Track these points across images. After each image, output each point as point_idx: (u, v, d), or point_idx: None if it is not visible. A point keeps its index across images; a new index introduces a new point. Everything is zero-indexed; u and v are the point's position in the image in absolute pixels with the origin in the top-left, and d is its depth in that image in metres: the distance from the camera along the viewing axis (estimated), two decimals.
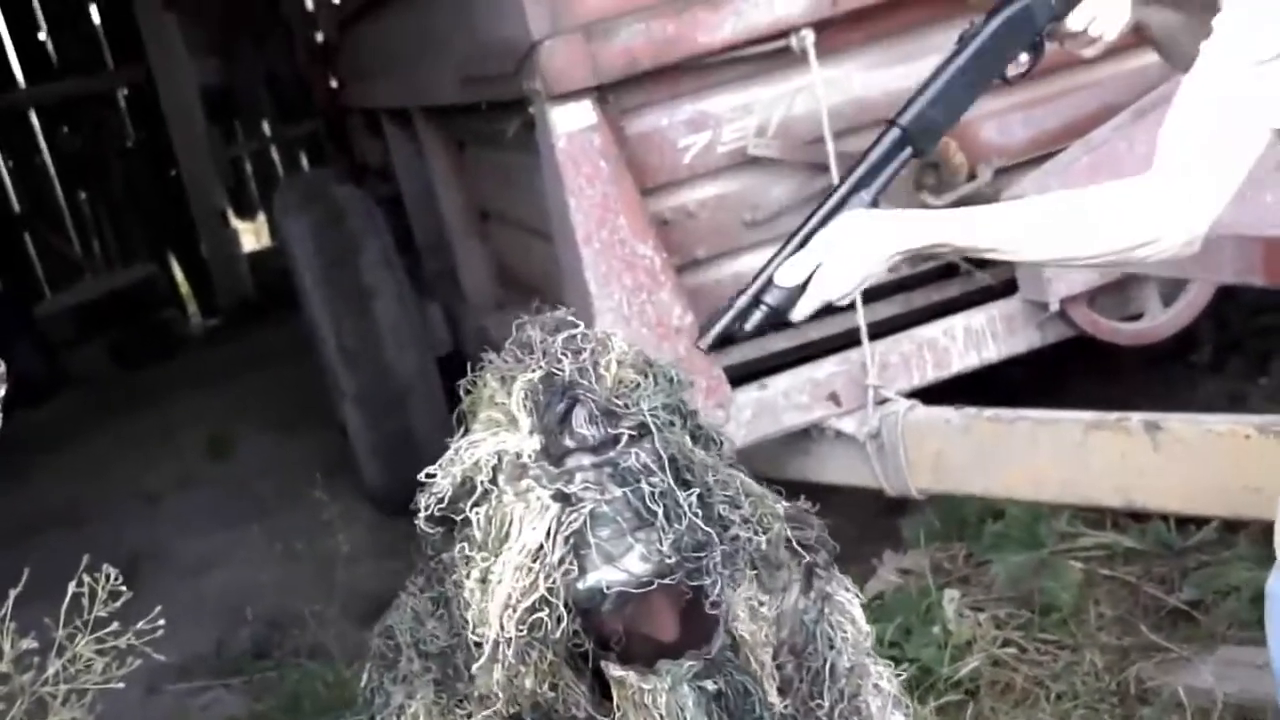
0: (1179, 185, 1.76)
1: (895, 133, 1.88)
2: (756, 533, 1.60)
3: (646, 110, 3.10)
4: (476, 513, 1.52)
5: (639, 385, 1.55)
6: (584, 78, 2.91)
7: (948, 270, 3.35)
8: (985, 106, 3.29)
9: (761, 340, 3.31)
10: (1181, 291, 3.33)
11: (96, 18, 8.66)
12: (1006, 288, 3.31)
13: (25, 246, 8.86)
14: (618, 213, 2.96)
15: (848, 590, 1.79)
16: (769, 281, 1.82)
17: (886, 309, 3.36)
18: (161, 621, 1.75)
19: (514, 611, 1.49)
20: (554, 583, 1.47)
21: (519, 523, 1.49)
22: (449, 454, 1.58)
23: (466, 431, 1.59)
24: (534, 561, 1.48)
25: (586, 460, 1.50)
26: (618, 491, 1.49)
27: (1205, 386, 3.74)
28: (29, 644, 1.62)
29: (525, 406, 1.53)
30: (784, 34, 3.01)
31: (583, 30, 2.92)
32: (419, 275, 4.94)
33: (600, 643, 1.56)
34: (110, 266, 9.02)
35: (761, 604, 1.67)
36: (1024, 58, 1.94)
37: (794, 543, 1.71)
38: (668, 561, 1.49)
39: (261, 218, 9.31)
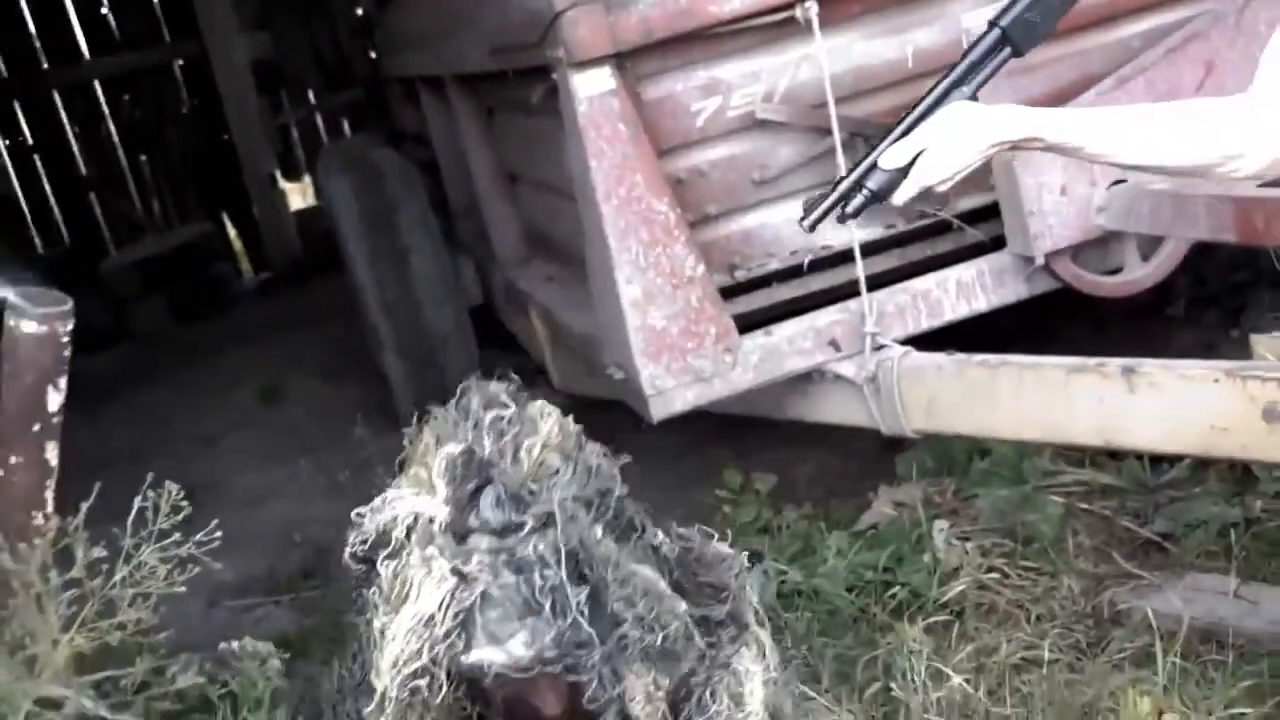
0: (1269, 110, 1.71)
1: (995, 33, 1.82)
2: (651, 630, 1.54)
3: (662, 76, 3.08)
4: (386, 566, 1.51)
5: (557, 472, 1.53)
6: (603, 46, 2.89)
7: (942, 227, 3.32)
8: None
9: (768, 290, 3.32)
10: (1158, 247, 3.27)
11: None
12: (996, 243, 3.26)
13: (91, 208, 8.84)
14: (635, 172, 2.94)
15: (754, 663, 1.74)
16: (873, 166, 1.78)
17: (884, 262, 3.32)
18: (219, 534, 1.78)
19: (398, 673, 1.47)
20: (438, 654, 1.47)
21: (418, 588, 1.48)
22: (377, 500, 1.58)
23: (401, 476, 1.58)
24: (425, 628, 1.47)
25: (485, 543, 1.48)
26: (510, 578, 1.47)
27: (1181, 337, 3.71)
28: (99, 552, 1.66)
29: (444, 477, 1.51)
30: (790, 5, 2.97)
31: (602, 1, 2.89)
32: (452, 233, 4.95)
33: (485, 707, 1.55)
34: (169, 225, 8.99)
35: (659, 688, 1.61)
36: None
37: (694, 635, 1.64)
38: (547, 654, 1.47)
39: (307, 179, 9.29)
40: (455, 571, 1.47)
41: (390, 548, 1.52)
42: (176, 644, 1.98)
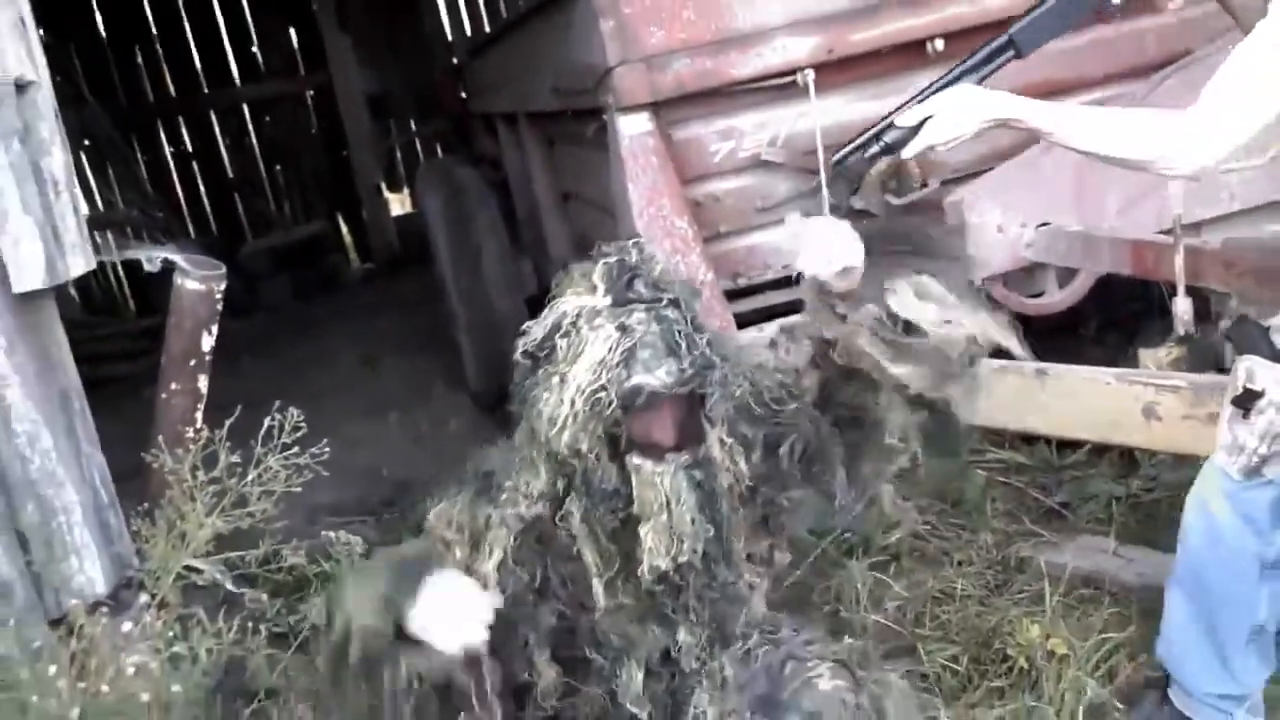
0: (1200, 125, 1.71)
1: (1005, 38, 1.83)
2: (737, 383, 1.71)
3: (689, 122, 3.12)
4: (562, 342, 1.63)
5: (671, 280, 1.67)
6: (644, 96, 2.95)
7: None
8: None
9: (764, 295, 3.35)
10: (1072, 278, 3.28)
11: (294, 35, 8.69)
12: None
13: (235, 205, 8.94)
14: (663, 195, 2.99)
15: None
16: (889, 124, 1.79)
17: None
18: (328, 449, 1.85)
19: (583, 394, 1.60)
20: (610, 379, 1.59)
21: (590, 344, 1.61)
22: (544, 312, 1.69)
23: (552, 306, 1.68)
24: (599, 366, 1.59)
25: (640, 309, 1.61)
26: (657, 329, 1.61)
27: (1091, 352, 3.68)
28: (235, 459, 1.73)
29: (603, 278, 1.65)
30: (792, 72, 3.01)
31: (645, 61, 2.95)
32: (517, 238, 4.98)
33: (626, 443, 1.66)
34: (295, 222, 9.06)
35: (725, 442, 1.75)
36: (1115, 1, 1.84)
37: (756, 412, 1.79)
38: (686, 374, 1.61)
39: (406, 191, 9.35)
40: (619, 327, 1.60)
41: (560, 332, 1.63)
42: (288, 534, 2.05)
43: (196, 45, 8.48)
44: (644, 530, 1.67)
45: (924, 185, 3.25)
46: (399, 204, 9.61)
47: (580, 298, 1.66)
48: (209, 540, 1.68)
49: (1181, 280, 2.69)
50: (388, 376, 5.76)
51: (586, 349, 1.61)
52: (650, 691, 1.81)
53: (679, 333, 1.63)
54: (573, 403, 1.60)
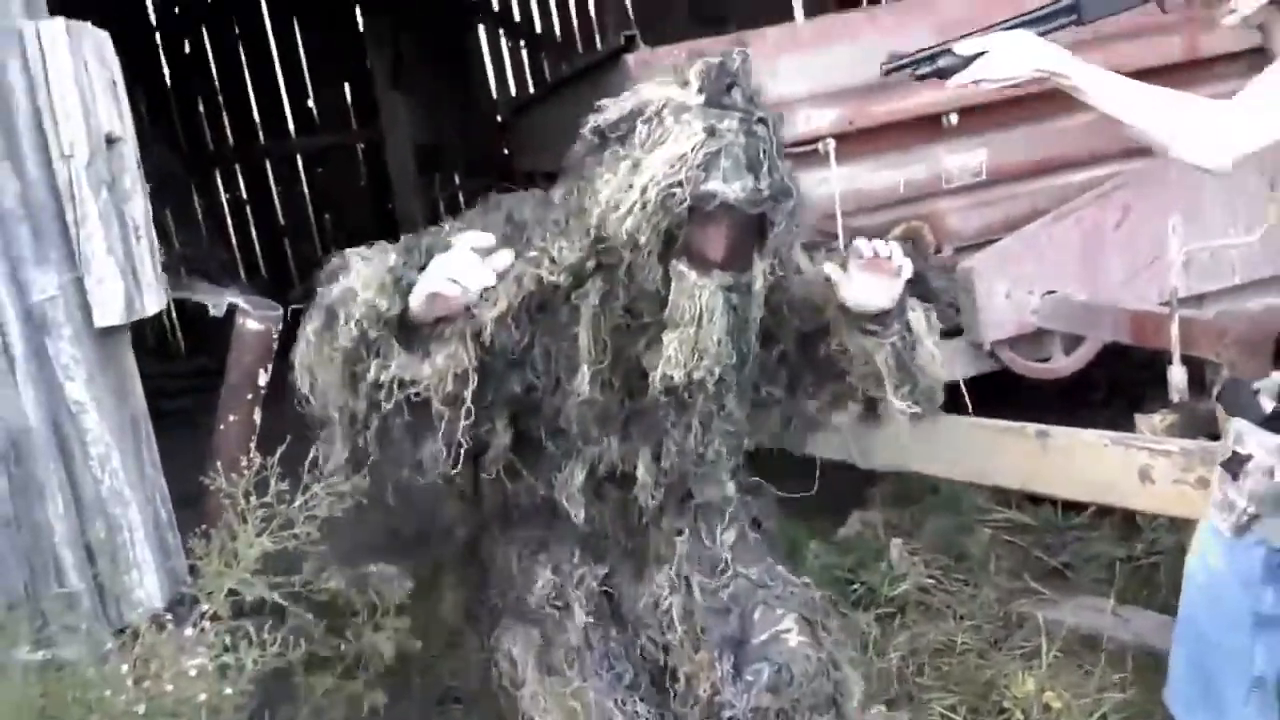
0: (1225, 121, 1.75)
1: (1061, 4, 1.86)
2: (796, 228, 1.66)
3: None
4: (643, 128, 1.57)
5: (765, 101, 1.63)
6: None
7: None
8: (949, 204, 3.46)
9: None
10: (1078, 345, 3.39)
11: (348, 90, 8.98)
12: (954, 330, 3.34)
13: (285, 250, 9.19)
14: None
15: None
16: (946, 50, 1.81)
17: None
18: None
19: (657, 185, 1.54)
20: (687, 176, 1.53)
21: (674, 137, 1.55)
22: (622, 95, 1.64)
23: (635, 90, 1.63)
24: (678, 161, 1.53)
25: (732, 117, 1.55)
26: (744, 141, 1.55)
27: (1095, 416, 3.78)
28: (284, 486, 1.88)
29: (700, 76, 1.58)
30: (815, 141, 3.15)
31: None
32: None
33: (678, 248, 1.60)
34: None
35: (769, 278, 1.70)
36: None
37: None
38: (762, 195, 1.56)
39: None
40: (708, 129, 1.54)
41: (642, 116, 1.58)
42: (327, 559, 2.18)
43: (255, 98, 8.77)
44: (669, 338, 1.61)
45: (938, 251, 3.39)
46: None
47: (668, 89, 1.59)
48: (258, 559, 1.82)
49: (1176, 349, 2.79)
50: None
51: (669, 141, 1.55)
52: (592, 505, 1.77)
53: (763, 152, 1.57)
54: (644, 190, 1.54)
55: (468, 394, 1.58)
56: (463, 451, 1.62)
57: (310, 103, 8.90)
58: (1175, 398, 2.82)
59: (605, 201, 1.58)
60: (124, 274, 1.77)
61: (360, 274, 1.57)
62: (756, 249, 1.64)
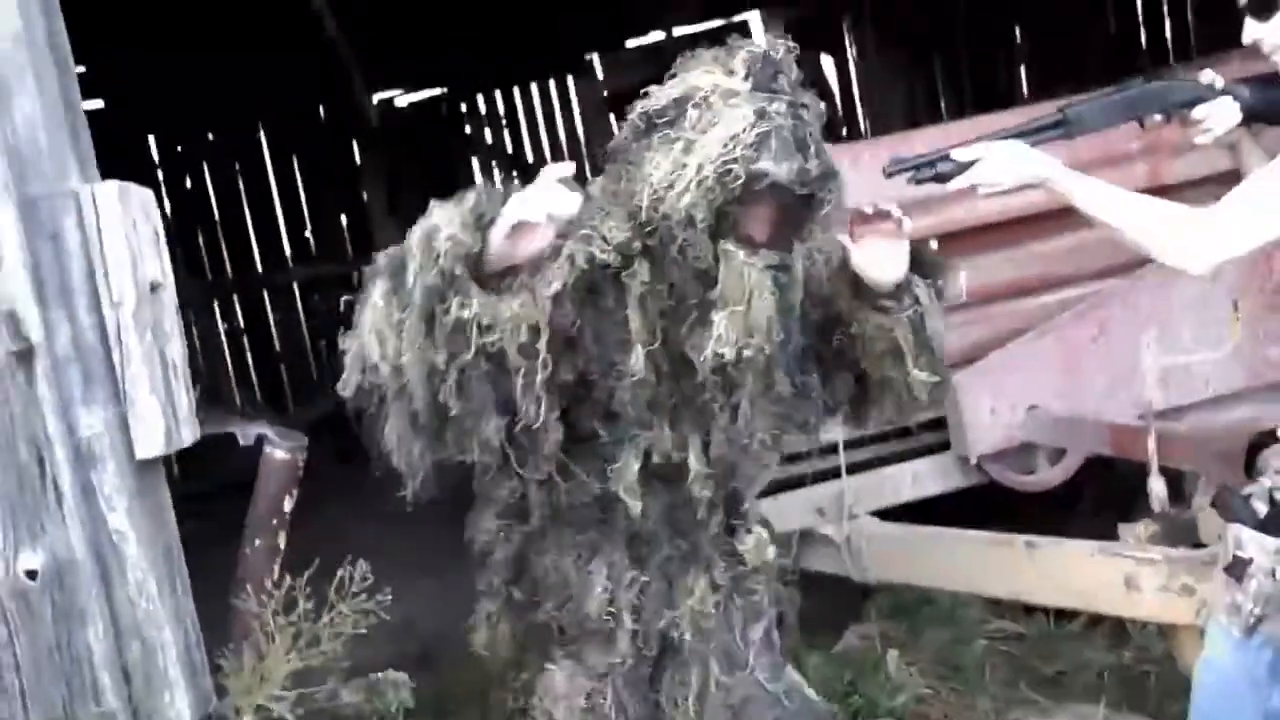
0: (1205, 231, 1.85)
1: (1059, 115, 2.00)
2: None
3: None
4: (694, 112, 1.63)
5: (807, 90, 1.69)
6: None
7: (904, 431, 3.61)
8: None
9: (780, 467, 3.57)
10: (1062, 458, 3.54)
11: (344, 220, 9.24)
12: (943, 445, 3.53)
13: (281, 374, 9.33)
14: None
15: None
16: (945, 156, 1.92)
17: (863, 454, 3.57)
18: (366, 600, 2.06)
19: (713, 164, 1.60)
20: (741, 155, 1.59)
21: (725, 120, 1.61)
22: (668, 82, 1.69)
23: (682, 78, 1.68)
24: (731, 141, 1.60)
25: (781, 100, 1.62)
26: (792, 123, 1.62)
27: (1083, 526, 3.88)
28: (308, 605, 1.98)
29: (746, 64, 1.65)
30: None
31: None
32: None
33: (727, 226, 1.66)
34: (337, 392, 9.38)
35: (810, 261, 1.79)
36: (1157, 118, 2.02)
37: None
38: (810, 175, 1.63)
39: None
40: (758, 112, 1.61)
41: (691, 102, 1.63)
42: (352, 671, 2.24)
43: (254, 229, 9.01)
44: (718, 317, 1.65)
45: None
46: None
47: (715, 76, 1.65)
48: (286, 676, 1.90)
49: (1154, 461, 2.94)
50: (420, 537, 5.94)
51: (721, 122, 1.61)
52: (646, 495, 1.78)
53: (810, 134, 1.63)
54: (700, 169, 1.60)
55: (541, 345, 1.61)
56: (542, 408, 1.63)
57: (308, 232, 9.12)
58: (1156, 507, 2.96)
59: (658, 182, 1.64)
60: (164, 410, 1.91)
61: (442, 213, 1.62)
62: (797, 232, 1.72)
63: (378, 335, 1.69)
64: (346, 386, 1.80)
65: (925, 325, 1.84)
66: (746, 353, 1.67)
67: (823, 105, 1.71)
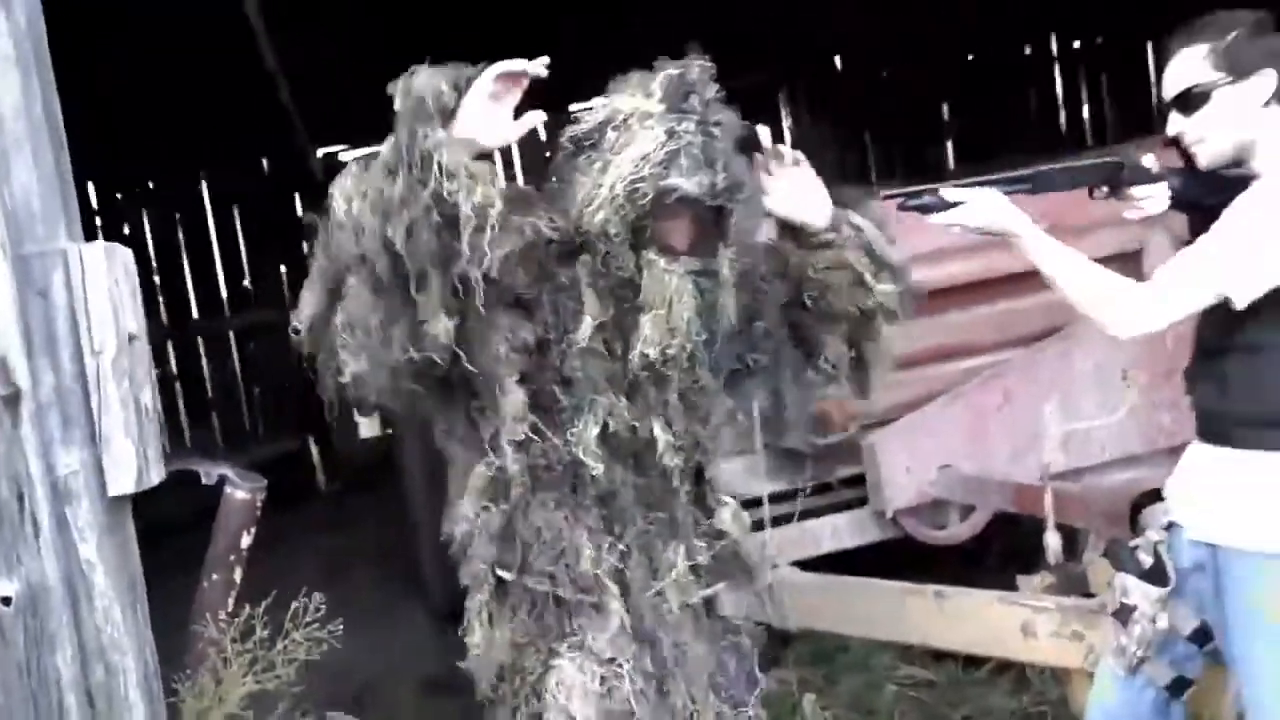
0: (1136, 299, 1.99)
1: (1029, 173, 2.12)
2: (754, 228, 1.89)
3: None
4: (613, 134, 1.77)
5: (722, 107, 1.81)
6: None
7: (824, 487, 3.86)
8: None
9: None
10: (971, 514, 3.80)
11: (284, 270, 9.31)
12: (861, 501, 3.74)
13: (212, 420, 9.32)
14: None
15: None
16: (934, 191, 2.04)
17: (786, 508, 3.77)
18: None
19: (624, 182, 1.74)
20: (650, 173, 1.73)
21: (639, 141, 1.75)
22: (597, 104, 1.82)
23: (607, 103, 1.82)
24: (642, 160, 1.73)
25: (690, 120, 1.75)
26: (700, 141, 1.75)
27: (990, 578, 4.07)
28: (264, 632, 2.11)
29: (661, 86, 1.78)
30: None
31: None
32: None
33: (647, 238, 1.79)
34: (271, 440, 9.42)
35: (734, 263, 1.89)
36: (1104, 189, 2.16)
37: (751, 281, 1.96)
38: (717, 188, 1.76)
39: (376, 417, 9.73)
40: (668, 131, 1.74)
41: (612, 125, 1.77)
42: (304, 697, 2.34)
43: (192, 277, 9.03)
44: (643, 319, 1.78)
45: (845, 429, 3.79)
46: (368, 427, 9.98)
47: (635, 99, 1.78)
48: (242, 699, 2.04)
49: (1051, 517, 3.19)
50: (352, 584, 5.99)
51: (634, 143, 1.74)
52: (611, 468, 1.86)
53: (719, 150, 1.75)
54: (612, 187, 1.73)
55: (494, 211, 1.67)
56: (486, 260, 1.69)
57: (247, 282, 9.21)
58: (1051, 560, 3.20)
59: (581, 201, 1.77)
60: (137, 451, 2.06)
61: (421, 74, 1.68)
62: (719, 238, 1.85)
63: (345, 198, 1.74)
64: (300, 320, 1.95)
65: (874, 246, 1.98)
66: (670, 352, 1.81)
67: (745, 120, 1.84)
